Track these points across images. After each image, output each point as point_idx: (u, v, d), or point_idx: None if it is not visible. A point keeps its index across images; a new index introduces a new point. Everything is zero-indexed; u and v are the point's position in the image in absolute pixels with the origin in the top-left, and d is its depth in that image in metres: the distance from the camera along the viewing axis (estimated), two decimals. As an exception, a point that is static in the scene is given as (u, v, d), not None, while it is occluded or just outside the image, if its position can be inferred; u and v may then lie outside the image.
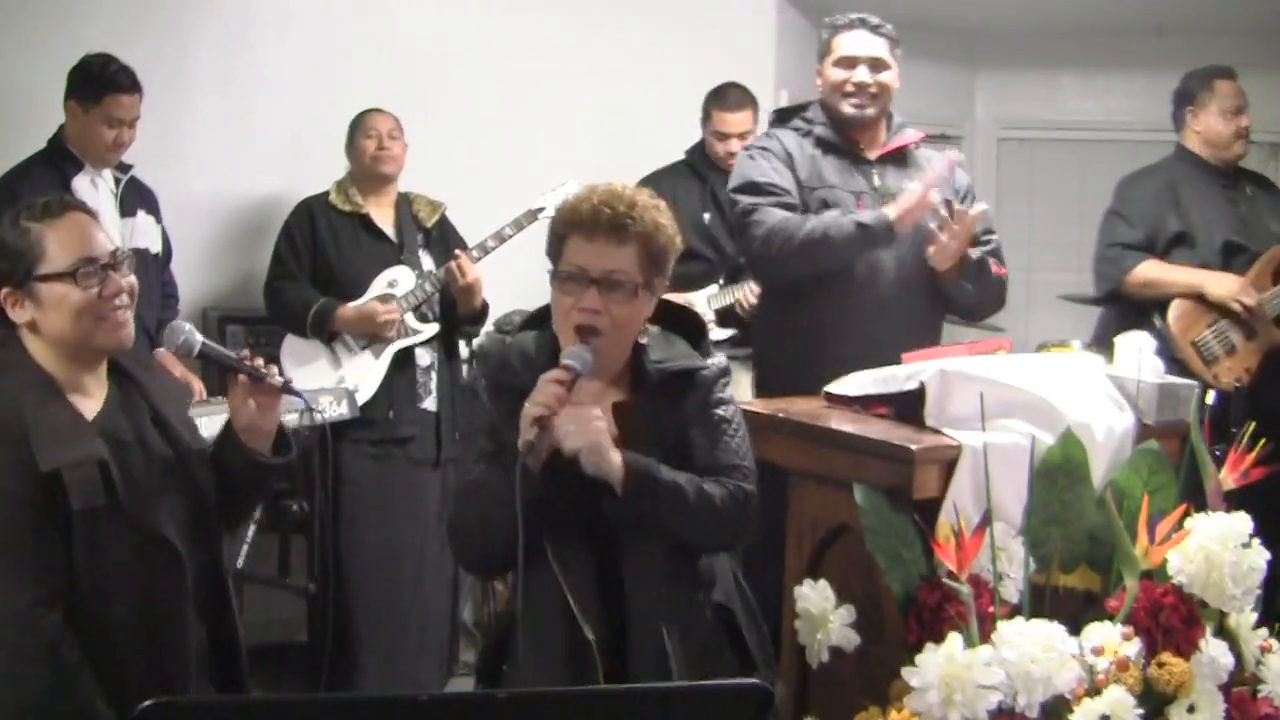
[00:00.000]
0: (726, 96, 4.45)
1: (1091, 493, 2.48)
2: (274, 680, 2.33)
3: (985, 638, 2.28)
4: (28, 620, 2.04)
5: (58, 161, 3.80)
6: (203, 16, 4.58)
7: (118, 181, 3.89)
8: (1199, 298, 4.01)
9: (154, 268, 3.95)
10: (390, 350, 4.07)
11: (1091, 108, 7.12)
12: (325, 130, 4.33)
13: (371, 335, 4.06)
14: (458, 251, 4.07)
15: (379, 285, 4.10)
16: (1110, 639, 2.34)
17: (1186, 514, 2.47)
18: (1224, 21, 6.19)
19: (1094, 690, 2.29)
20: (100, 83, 3.76)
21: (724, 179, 4.46)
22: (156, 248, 3.99)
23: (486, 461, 2.25)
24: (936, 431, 2.44)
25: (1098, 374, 2.71)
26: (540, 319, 2.37)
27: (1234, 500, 2.60)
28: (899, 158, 3.53)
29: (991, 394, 2.45)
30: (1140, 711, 2.28)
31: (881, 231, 3.29)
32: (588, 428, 2.16)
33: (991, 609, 2.32)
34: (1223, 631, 2.53)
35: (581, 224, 2.26)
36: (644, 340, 2.34)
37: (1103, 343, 3.44)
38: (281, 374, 2.29)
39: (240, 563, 3.58)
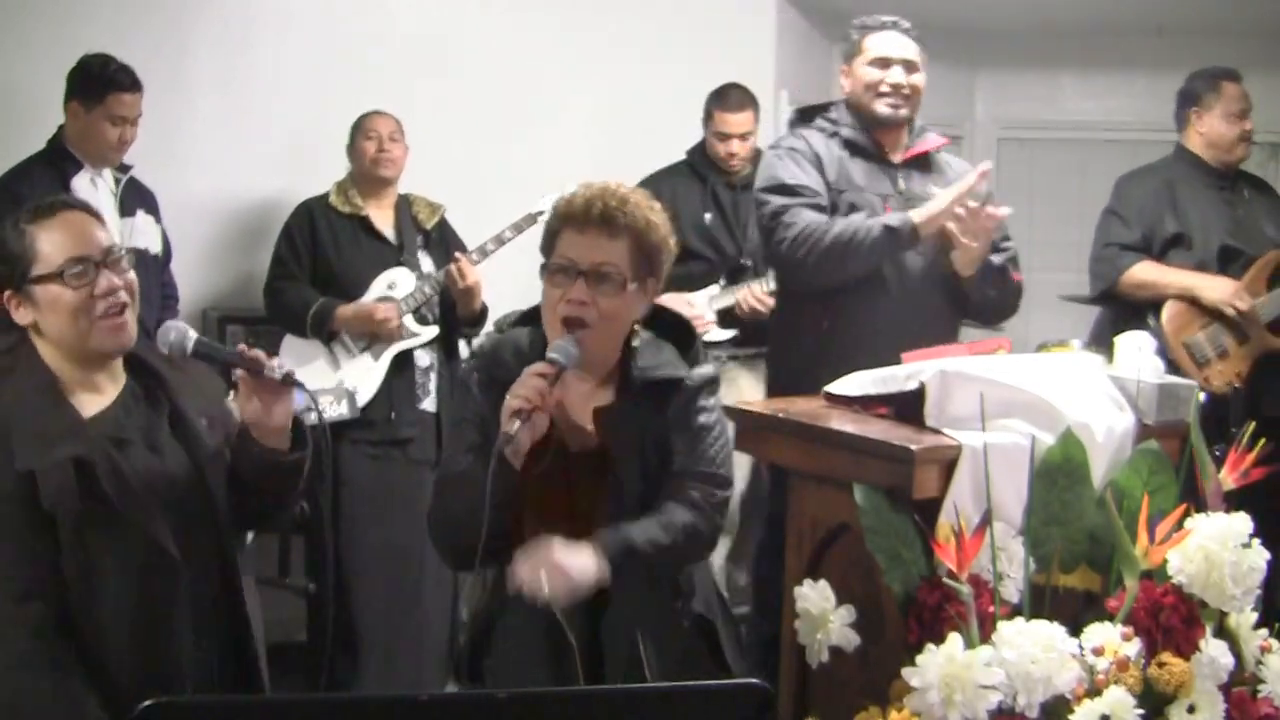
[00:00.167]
0: (728, 97, 4.45)
1: (1091, 493, 2.47)
2: (274, 680, 2.35)
3: (985, 638, 2.28)
4: (12, 618, 2.03)
5: (57, 162, 3.80)
6: (203, 16, 4.58)
7: (117, 182, 3.89)
8: (1193, 300, 4.01)
9: (153, 268, 3.95)
10: (390, 352, 4.07)
11: (1091, 108, 7.13)
12: (325, 130, 4.33)
13: (371, 336, 4.06)
14: (457, 254, 4.07)
15: (379, 287, 4.10)
16: (1110, 639, 2.34)
17: (1186, 514, 2.47)
18: (1224, 22, 6.20)
19: (1094, 690, 2.29)
20: (102, 82, 3.76)
21: (725, 179, 4.48)
22: (156, 248, 3.99)
23: (474, 453, 2.25)
24: (936, 431, 2.44)
25: (1098, 374, 2.71)
26: (535, 315, 2.38)
27: (1234, 500, 2.60)
28: (923, 162, 3.54)
29: (991, 394, 2.45)
30: (1140, 711, 2.28)
31: (907, 235, 3.31)
32: (549, 576, 2.14)
33: (991, 609, 2.32)
34: (1223, 631, 2.53)
35: (574, 217, 2.27)
36: (635, 344, 2.35)
37: (1100, 342, 3.45)
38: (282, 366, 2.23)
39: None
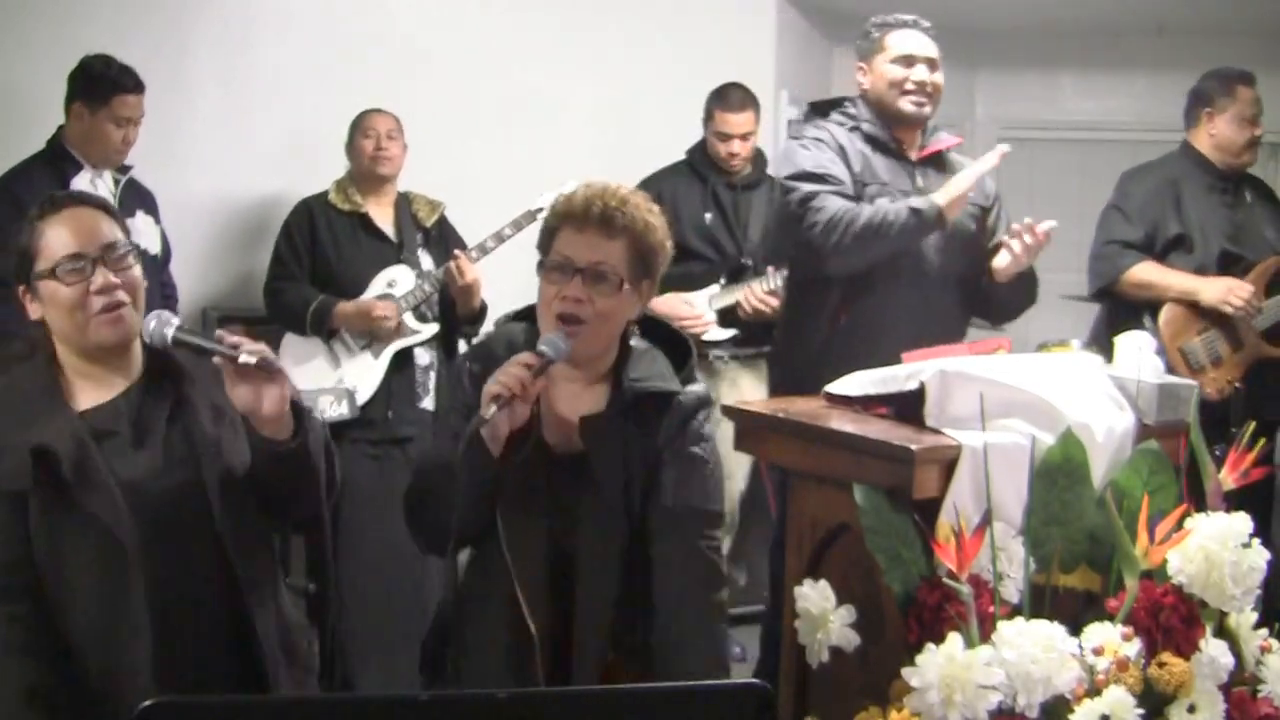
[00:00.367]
0: (729, 97, 4.45)
1: (1091, 493, 2.47)
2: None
3: (985, 638, 2.28)
4: None
5: (57, 162, 3.80)
6: (203, 16, 4.59)
7: (116, 182, 3.89)
8: (1191, 305, 4.00)
9: (152, 269, 3.94)
10: (389, 350, 4.07)
11: (1091, 108, 7.13)
12: (325, 130, 4.33)
13: (370, 334, 4.06)
14: (457, 252, 4.07)
15: (378, 285, 4.11)
16: (1110, 639, 2.34)
17: (1186, 514, 2.47)
18: (1224, 21, 6.20)
19: (1094, 690, 2.28)
20: (106, 84, 3.76)
21: (725, 179, 4.48)
22: (155, 248, 3.99)
23: (457, 441, 2.25)
24: (936, 431, 2.44)
25: (1098, 374, 2.71)
26: (531, 311, 2.38)
27: (1234, 500, 2.59)
28: (938, 161, 3.56)
29: (991, 394, 2.44)
30: (1140, 711, 2.28)
31: (933, 218, 3.32)
32: None
33: (991, 609, 2.31)
34: (1223, 631, 2.53)
35: (572, 215, 2.28)
36: (633, 343, 2.35)
37: (1099, 342, 3.45)
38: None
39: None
